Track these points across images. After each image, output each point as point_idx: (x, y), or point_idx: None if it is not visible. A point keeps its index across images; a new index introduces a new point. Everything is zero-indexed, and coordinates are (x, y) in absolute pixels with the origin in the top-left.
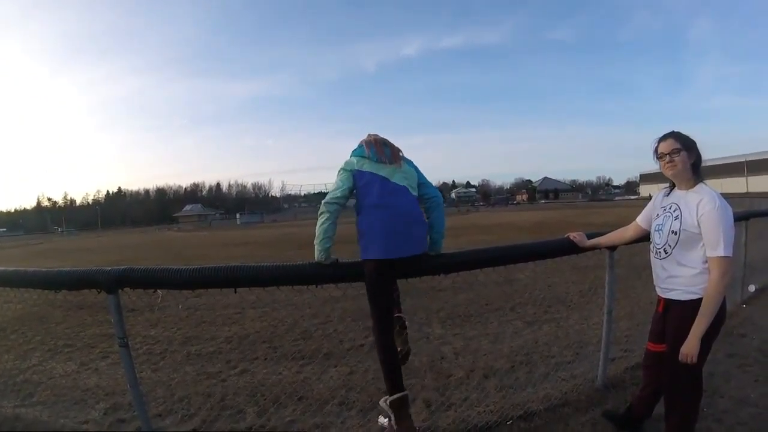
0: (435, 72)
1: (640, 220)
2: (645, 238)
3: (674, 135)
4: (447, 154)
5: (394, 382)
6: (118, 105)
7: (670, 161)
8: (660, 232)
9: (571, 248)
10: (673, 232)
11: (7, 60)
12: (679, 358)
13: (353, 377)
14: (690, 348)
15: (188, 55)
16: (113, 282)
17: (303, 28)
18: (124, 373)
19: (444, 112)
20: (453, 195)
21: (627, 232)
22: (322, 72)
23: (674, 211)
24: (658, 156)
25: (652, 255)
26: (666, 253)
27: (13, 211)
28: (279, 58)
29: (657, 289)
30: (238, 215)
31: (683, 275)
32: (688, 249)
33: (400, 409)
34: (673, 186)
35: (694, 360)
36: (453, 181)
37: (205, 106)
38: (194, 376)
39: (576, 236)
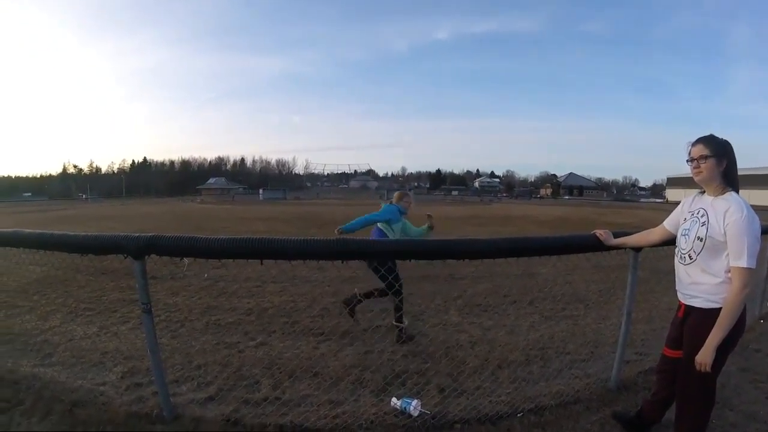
0: (466, 57)
1: (667, 223)
2: (671, 241)
3: (704, 140)
4: (473, 141)
5: (402, 315)
6: (147, 76)
7: (696, 167)
8: (686, 236)
9: (596, 245)
10: (699, 238)
11: (40, 29)
12: (694, 366)
13: (369, 357)
14: (705, 357)
15: (218, 28)
16: (140, 248)
17: (335, 6)
18: (145, 338)
19: (473, 98)
20: (476, 184)
21: (653, 234)
22: (352, 51)
23: (702, 216)
24: (689, 159)
25: (676, 259)
26: (691, 259)
27: (38, 176)
28: (309, 35)
29: (679, 295)
30: (260, 191)
31: (706, 283)
32: (713, 257)
33: (402, 331)
34: (704, 191)
35: (708, 369)
36: (477, 170)
37: (234, 81)
38: (212, 345)
39: (602, 234)
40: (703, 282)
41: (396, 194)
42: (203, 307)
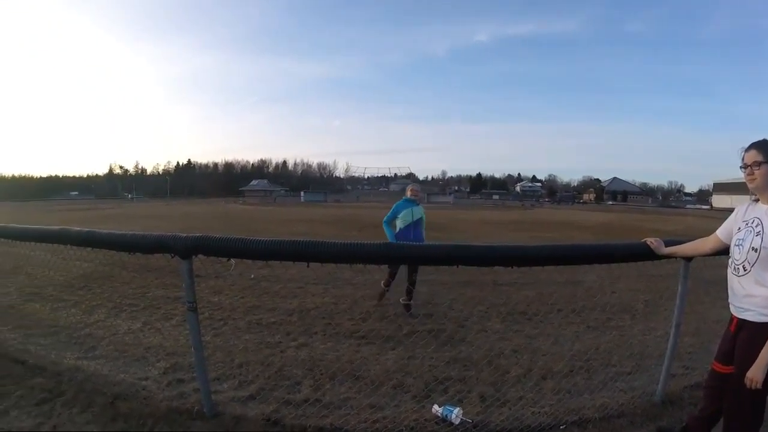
0: (507, 59)
1: (720, 232)
2: (724, 251)
3: (758, 145)
4: (514, 144)
5: (388, 284)
6: (190, 80)
7: (750, 174)
8: (740, 247)
9: (646, 254)
10: (753, 248)
11: (90, 33)
12: (744, 382)
13: (411, 362)
14: (756, 373)
15: (260, 33)
16: (188, 248)
17: (375, 10)
18: (190, 335)
19: (514, 101)
20: (518, 188)
21: (706, 244)
22: (391, 55)
23: (756, 226)
24: (743, 166)
25: (729, 270)
26: (745, 270)
27: (85, 176)
28: (349, 39)
29: (731, 307)
30: (302, 193)
31: (760, 295)
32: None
33: (382, 295)
34: (757, 198)
35: (758, 386)
36: (518, 173)
37: (275, 85)
38: (255, 345)
39: (653, 242)
40: (757, 294)
41: None
42: (246, 307)
